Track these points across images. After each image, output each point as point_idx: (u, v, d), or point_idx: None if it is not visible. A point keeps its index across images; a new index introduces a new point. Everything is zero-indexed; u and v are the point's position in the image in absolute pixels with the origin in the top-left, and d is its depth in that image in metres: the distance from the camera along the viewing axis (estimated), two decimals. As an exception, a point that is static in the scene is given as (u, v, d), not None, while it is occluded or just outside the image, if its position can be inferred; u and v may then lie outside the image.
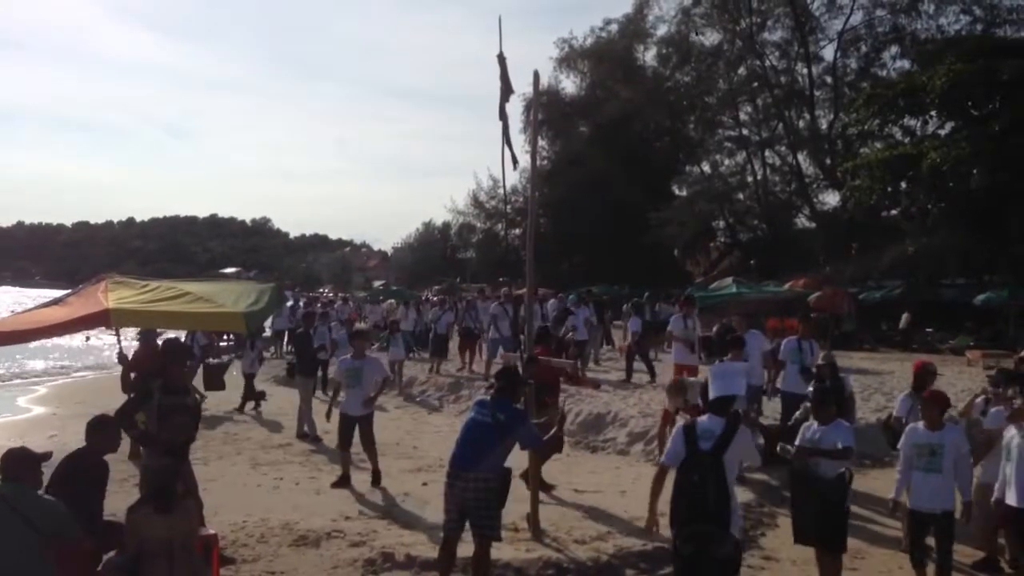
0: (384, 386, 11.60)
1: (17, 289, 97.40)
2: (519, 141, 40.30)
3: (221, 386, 17.22)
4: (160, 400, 7.35)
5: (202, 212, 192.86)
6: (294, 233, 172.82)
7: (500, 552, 7.88)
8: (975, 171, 23.23)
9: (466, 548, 6.88)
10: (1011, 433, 7.15)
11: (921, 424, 7.06)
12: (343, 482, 10.49)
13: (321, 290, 60.90)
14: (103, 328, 7.58)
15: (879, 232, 30.89)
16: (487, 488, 6.58)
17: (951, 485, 6.75)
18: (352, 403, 10.70)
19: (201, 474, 9.29)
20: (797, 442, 7.03)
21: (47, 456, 5.82)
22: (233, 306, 7.53)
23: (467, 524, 6.68)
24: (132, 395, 7.95)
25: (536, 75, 8.91)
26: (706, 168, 46.45)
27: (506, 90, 8.26)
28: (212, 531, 7.22)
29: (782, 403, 11.32)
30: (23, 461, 5.57)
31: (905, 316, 27.03)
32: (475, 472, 6.53)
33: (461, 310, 21.92)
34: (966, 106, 26.39)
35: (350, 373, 10.83)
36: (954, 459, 6.76)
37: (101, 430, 6.52)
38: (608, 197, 42.97)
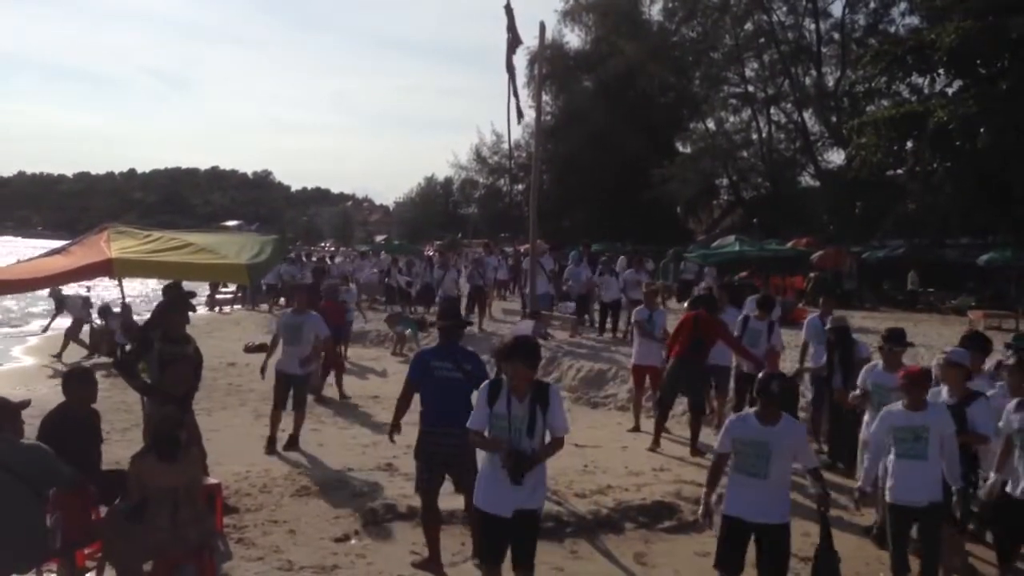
0: (323, 346, 10.81)
1: (19, 239, 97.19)
2: (523, 96, 39.73)
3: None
4: (161, 349, 7.36)
5: (203, 164, 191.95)
6: (295, 186, 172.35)
7: (501, 504, 7.95)
8: (982, 130, 22.98)
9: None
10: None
11: (899, 405, 6.23)
12: (270, 445, 9.96)
13: (322, 244, 60.74)
14: (106, 277, 7.60)
15: (883, 191, 30.71)
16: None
17: (938, 472, 6.04)
18: (289, 361, 10.11)
19: (204, 424, 9.32)
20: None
21: (25, 404, 5.80)
22: (236, 257, 7.53)
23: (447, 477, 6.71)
24: (132, 345, 7.97)
25: (542, 26, 8.83)
26: (710, 125, 46.08)
27: (514, 41, 8.19)
28: (215, 480, 7.30)
29: (813, 387, 10.81)
30: (1, 411, 5.57)
31: (912, 275, 26.92)
32: (458, 428, 6.15)
33: (469, 267, 21.61)
34: (974, 64, 26.06)
35: (289, 328, 10.30)
36: (940, 442, 6.02)
37: (81, 381, 6.46)
38: (611, 153, 42.67)
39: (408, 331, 18.16)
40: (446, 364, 6.54)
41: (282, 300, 25.44)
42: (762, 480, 5.48)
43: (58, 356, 16.50)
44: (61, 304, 17.71)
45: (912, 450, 6.02)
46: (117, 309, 13.60)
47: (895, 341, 7.89)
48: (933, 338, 15.73)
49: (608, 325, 17.39)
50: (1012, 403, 6.39)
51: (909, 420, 6.08)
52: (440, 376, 6.52)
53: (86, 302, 17.58)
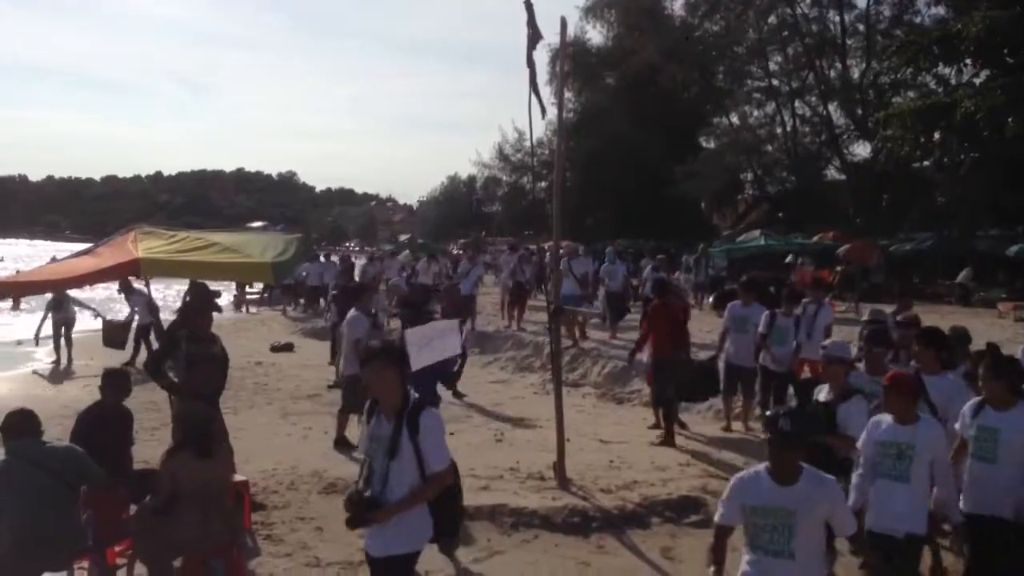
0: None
1: (48, 243, 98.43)
2: (545, 94, 39.70)
3: (121, 345, 15.96)
4: (188, 349, 7.43)
5: (229, 167, 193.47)
6: (320, 187, 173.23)
7: (526, 500, 7.99)
8: (1010, 120, 22.70)
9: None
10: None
11: (888, 417, 5.34)
12: (339, 445, 9.99)
13: (347, 244, 61.06)
14: (133, 276, 7.69)
15: (910, 183, 30.39)
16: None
17: (923, 499, 5.21)
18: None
19: (231, 423, 9.40)
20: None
21: None
22: (260, 256, 7.60)
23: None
24: (160, 345, 8.06)
25: (563, 22, 8.74)
26: (734, 120, 45.82)
27: (534, 36, 8.13)
28: (243, 478, 7.37)
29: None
30: (23, 418, 5.67)
31: (966, 271, 26.19)
32: None
33: (512, 264, 21.28)
34: (1001, 54, 25.74)
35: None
36: (929, 463, 5.17)
37: (117, 381, 6.64)
38: (634, 150, 42.56)
39: None
40: None
41: (301, 300, 25.65)
42: (787, 560, 4.13)
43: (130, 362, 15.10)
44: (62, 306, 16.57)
45: (894, 470, 5.18)
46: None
47: (874, 341, 7.17)
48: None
49: None
50: (968, 405, 5.69)
51: (894, 434, 5.24)
52: None
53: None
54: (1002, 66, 25.64)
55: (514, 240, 27.04)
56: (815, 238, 30.46)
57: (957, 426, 5.70)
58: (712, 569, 4.34)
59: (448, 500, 4.69)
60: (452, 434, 10.49)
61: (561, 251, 11.47)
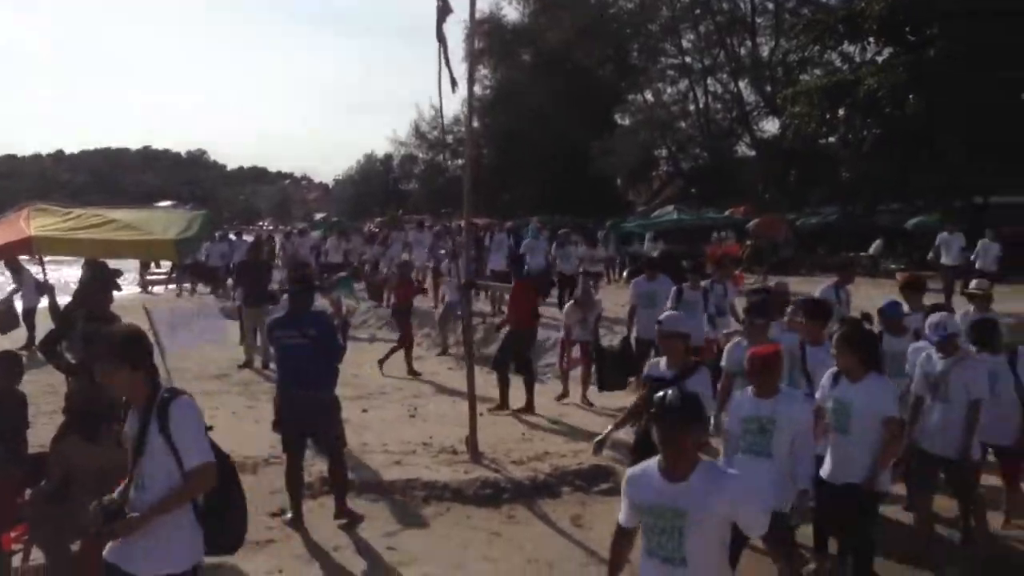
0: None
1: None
2: (461, 70, 39.49)
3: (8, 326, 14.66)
4: (84, 329, 7.18)
5: (134, 144, 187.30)
6: (231, 165, 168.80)
7: (438, 474, 8.01)
8: (911, 97, 23.47)
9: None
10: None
11: (749, 391, 5.36)
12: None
13: (261, 223, 59.89)
14: (26, 255, 7.39)
15: (817, 159, 31.21)
16: (327, 403, 6.91)
17: (784, 473, 5.14)
18: None
19: (135, 405, 9.17)
20: None
21: None
22: (163, 233, 7.35)
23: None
24: (55, 326, 7.78)
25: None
26: (649, 97, 46.35)
27: (443, 9, 8.06)
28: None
29: None
30: None
31: (877, 243, 26.98)
32: (310, 392, 6.80)
33: (431, 241, 21.06)
34: (903, 32, 26.52)
35: None
36: (791, 436, 5.12)
37: (6, 364, 6.42)
38: (551, 127, 42.70)
39: (343, 294, 17.82)
40: (290, 332, 6.85)
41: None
42: (679, 568, 3.55)
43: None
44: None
45: (755, 444, 5.16)
46: None
47: (756, 312, 6.87)
48: (862, 300, 16.04)
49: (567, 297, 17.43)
50: (826, 376, 5.77)
51: (755, 409, 5.22)
52: (285, 344, 6.87)
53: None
54: (904, 44, 26.42)
55: (425, 217, 26.87)
56: (727, 212, 31.13)
57: (818, 395, 5.79)
58: None
59: (222, 507, 3.99)
60: (366, 411, 10.51)
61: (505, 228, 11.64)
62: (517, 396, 10.77)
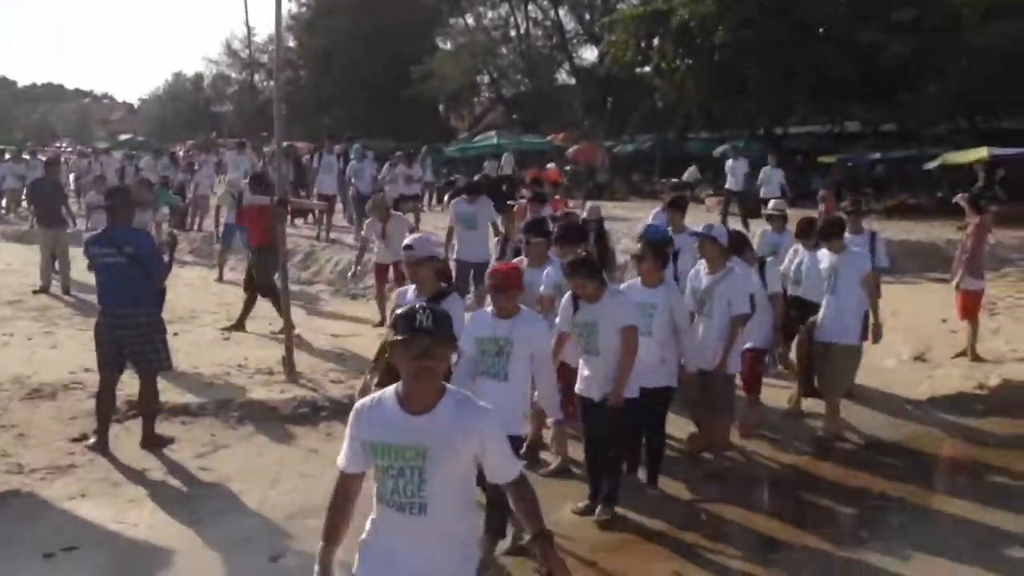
0: None
1: None
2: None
3: None
4: None
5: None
6: (23, 82, 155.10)
7: (254, 394, 7.84)
8: (719, 28, 24.38)
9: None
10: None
11: (489, 311, 5.29)
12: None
13: (57, 143, 55.58)
14: None
15: (634, 87, 32.06)
16: (147, 322, 6.68)
17: (519, 396, 5.18)
18: None
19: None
20: None
21: None
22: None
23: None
24: None
25: None
26: (470, 21, 45.91)
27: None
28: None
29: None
30: None
31: (691, 169, 27.83)
32: (128, 310, 6.58)
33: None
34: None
35: None
36: (528, 358, 5.07)
37: None
38: (372, 48, 41.61)
39: (162, 212, 16.90)
40: (107, 249, 6.59)
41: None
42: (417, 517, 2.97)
43: None
44: None
45: (493, 367, 5.09)
46: None
47: (532, 231, 7.02)
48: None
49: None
50: (565, 300, 5.91)
51: (493, 330, 5.11)
52: (102, 263, 6.61)
53: None
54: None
55: (244, 140, 25.72)
56: (547, 139, 31.60)
57: (559, 321, 5.93)
58: (320, 546, 3.07)
59: None
60: (176, 334, 10.05)
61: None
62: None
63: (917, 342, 10.23)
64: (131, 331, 6.59)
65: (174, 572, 4.97)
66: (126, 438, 6.90)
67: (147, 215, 11.79)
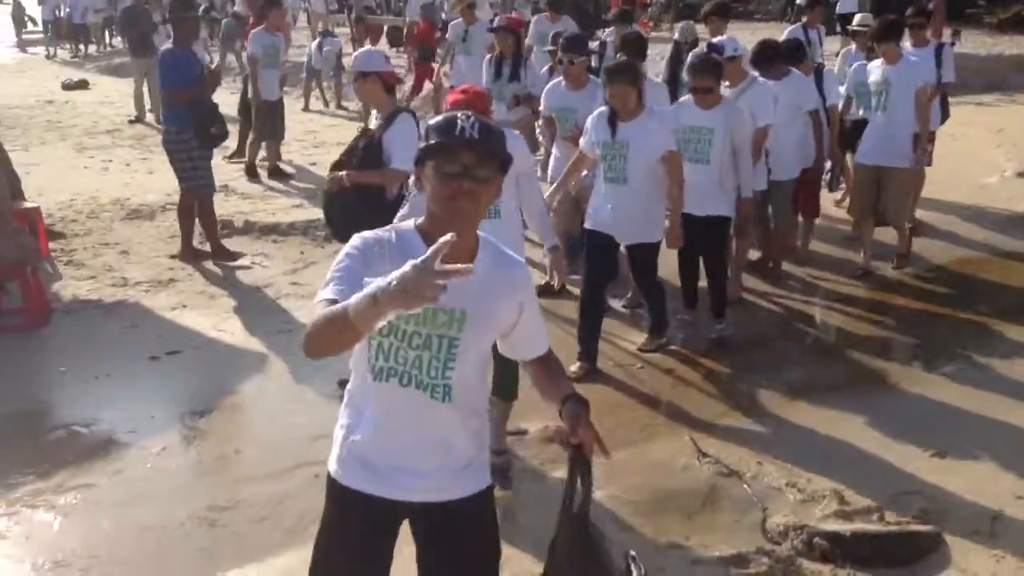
0: None
1: None
2: None
3: None
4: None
5: None
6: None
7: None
8: None
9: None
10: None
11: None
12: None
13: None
14: None
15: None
16: (166, 140, 7.04)
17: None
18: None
19: (21, 160, 8.92)
20: None
21: None
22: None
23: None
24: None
25: None
26: None
27: None
28: (34, 204, 7.03)
29: None
30: None
31: None
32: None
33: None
34: None
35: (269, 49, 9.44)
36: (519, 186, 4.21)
37: None
38: None
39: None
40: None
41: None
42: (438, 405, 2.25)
43: None
44: None
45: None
46: None
47: (573, 49, 6.25)
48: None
49: None
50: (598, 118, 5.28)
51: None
52: None
53: None
54: None
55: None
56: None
57: (582, 142, 5.30)
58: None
59: None
60: (290, 161, 10.26)
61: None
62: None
63: (1023, 158, 9.77)
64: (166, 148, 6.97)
65: (267, 375, 5.25)
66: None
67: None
